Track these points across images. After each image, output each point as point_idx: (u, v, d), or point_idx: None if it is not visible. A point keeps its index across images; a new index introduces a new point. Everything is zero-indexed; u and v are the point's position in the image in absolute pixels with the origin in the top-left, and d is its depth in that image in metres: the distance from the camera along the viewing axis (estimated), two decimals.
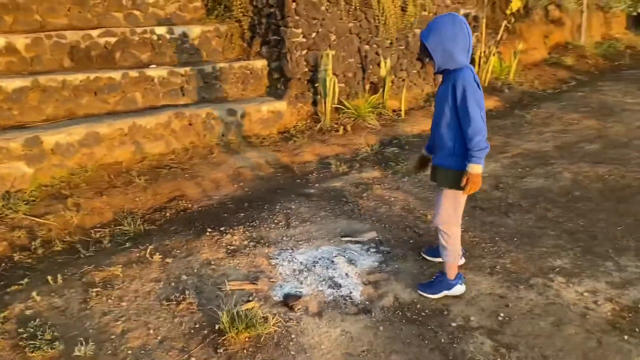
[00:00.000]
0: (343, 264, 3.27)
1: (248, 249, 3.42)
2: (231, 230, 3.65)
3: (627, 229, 3.77)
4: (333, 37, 6.22)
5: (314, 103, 6.12)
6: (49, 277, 3.02)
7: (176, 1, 6.34)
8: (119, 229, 3.68)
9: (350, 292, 2.99)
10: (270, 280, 3.09)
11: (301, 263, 3.26)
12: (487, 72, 8.16)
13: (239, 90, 5.88)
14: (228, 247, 3.44)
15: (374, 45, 6.75)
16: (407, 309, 2.86)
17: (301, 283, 3.06)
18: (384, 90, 6.43)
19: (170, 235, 3.61)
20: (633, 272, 3.23)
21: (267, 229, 3.70)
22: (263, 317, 2.69)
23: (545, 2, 10.73)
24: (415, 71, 7.38)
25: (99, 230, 3.68)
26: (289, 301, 2.87)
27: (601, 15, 12.96)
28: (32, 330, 2.61)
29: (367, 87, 6.70)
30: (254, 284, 3.04)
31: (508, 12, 8.56)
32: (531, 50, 9.77)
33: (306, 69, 6.01)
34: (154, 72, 5.20)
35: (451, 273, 2.97)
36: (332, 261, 3.29)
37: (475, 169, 2.63)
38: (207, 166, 4.72)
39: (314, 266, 3.23)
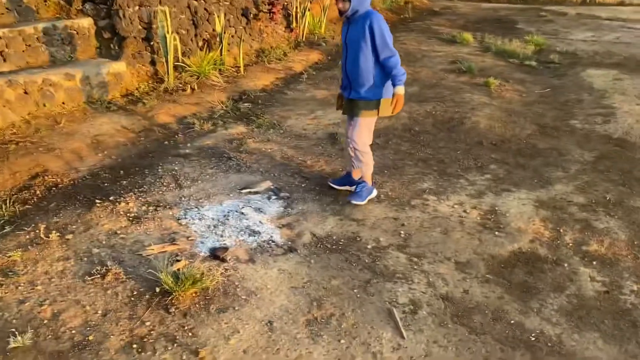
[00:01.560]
0: (252, 213, 3.40)
1: (150, 213, 3.32)
2: (122, 198, 3.47)
3: (463, 152, 4.57)
4: None
5: (152, 63, 5.85)
6: None
7: None
8: None
9: (271, 237, 3.16)
10: (189, 239, 3.08)
11: (212, 219, 3.30)
12: (304, 27, 8.61)
13: (67, 53, 5.31)
14: (127, 215, 3.29)
15: (202, 1, 6.63)
16: (326, 242, 3.15)
17: (221, 236, 3.12)
18: (222, 47, 6.41)
19: (55, 212, 3.29)
20: (481, 184, 3.99)
21: (160, 192, 3.61)
22: (201, 272, 2.72)
23: None
24: (241, 27, 7.44)
25: None
26: (218, 253, 2.93)
27: None
28: None
29: (200, 44, 6.59)
30: (174, 244, 3.01)
31: None
32: (332, 5, 10.47)
33: (140, 27, 5.68)
34: None
35: (369, 180, 3.59)
36: (242, 212, 3.39)
37: (402, 90, 3.23)
38: (58, 137, 4.28)
39: (227, 219, 3.30)
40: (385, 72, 3.27)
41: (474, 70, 7.03)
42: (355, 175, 3.69)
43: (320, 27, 9.09)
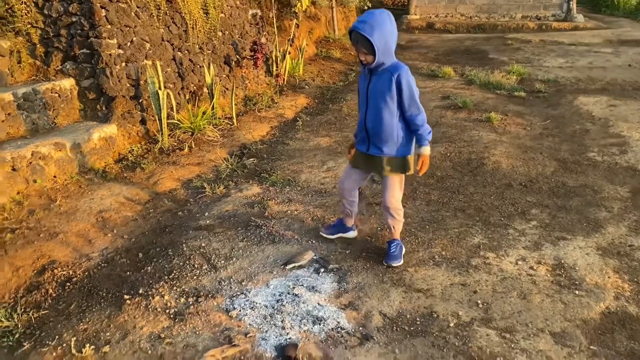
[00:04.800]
0: (307, 294, 2.99)
1: (192, 307, 2.86)
2: (154, 290, 2.99)
3: (497, 197, 4.32)
4: (148, 46, 5.55)
5: (142, 122, 5.39)
6: None
7: None
8: None
9: (338, 323, 2.76)
10: (248, 336, 2.65)
11: (265, 306, 2.87)
12: (285, 70, 8.34)
13: (50, 119, 4.79)
14: (166, 311, 2.82)
15: (186, 52, 6.26)
16: (401, 322, 2.78)
17: (283, 328, 2.70)
18: (212, 99, 6.02)
19: (79, 316, 2.78)
20: (532, 233, 3.73)
21: (194, 277, 3.15)
22: None
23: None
24: (225, 75, 7.09)
25: None
26: (289, 354, 2.50)
27: (342, 10, 14.46)
28: None
29: (187, 97, 6.19)
30: (234, 346, 2.56)
31: (297, 10, 8.84)
32: (308, 46, 10.31)
33: (128, 85, 5.23)
34: None
35: (399, 237, 3.40)
36: (295, 294, 2.98)
37: (428, 150, 3.08)
38: (58, 218, 3.75)
39: (282, 305, 2.88)
40: (410, 129, 3.07)
41: (469, 105, 6.90)
42: (397, 236, 3.40)
43: (298, 69, 8.84)
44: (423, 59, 10.79)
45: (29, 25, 5.04)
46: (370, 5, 15.59)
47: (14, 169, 3.92)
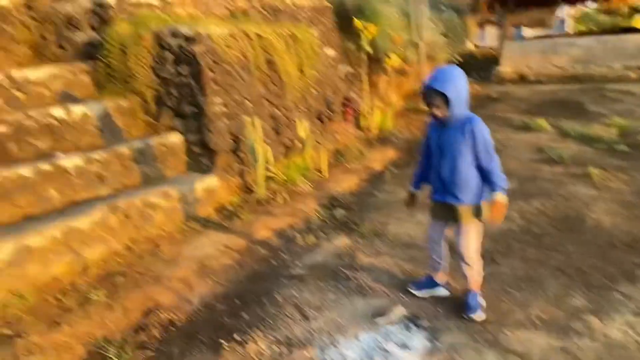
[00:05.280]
0: (398, 351, 2.98)
1: (285, 356, 2.95)
2: (249, 336, 3.12)
3: (599, 257, 4.09)
4: (248, 103, 5.94)
5: (240, 174, 5.71)
6: None
7: (60, 77, 5.50)
8: None
9: None
10: None
11: None
12: (374, 124, 8.52)
13: (159, 171, 5.23)
14: (260, 358, 2.92)
15: (282, 108, 6.61)
16: None
17: None
18: (305, 152, 6.28)
19: (182, 358, 2.95)
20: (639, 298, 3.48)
21: (286, 326, 3.25)
22: None
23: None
24: (316, 130, 7.37)
25: None
26: None
27: (430, 64, 14.60)
28: None
29: (282, 150, 6.49)
30: None
31: (387, 65, 9.11)
32: (398, 101, 10.50)
33: (230, 139, 5.60)
34: (68, 162, 4.36)
35: (478, 287, 3.41)
36: (386, 350, 2.98)
37: (502, 197, 3.07)
38: (163, 264, 4.04)
39: None
40: (482, 175, 3.14)
41: (566, 159, 6.65)
42: (477, 287, 3.40)
43: (387, 123, 8.99)
44: (515, 110, 10.57)
45: (145, 86, 5.60)
46: (460, 58, 15.67)
47: (127, 217, 4.29)
